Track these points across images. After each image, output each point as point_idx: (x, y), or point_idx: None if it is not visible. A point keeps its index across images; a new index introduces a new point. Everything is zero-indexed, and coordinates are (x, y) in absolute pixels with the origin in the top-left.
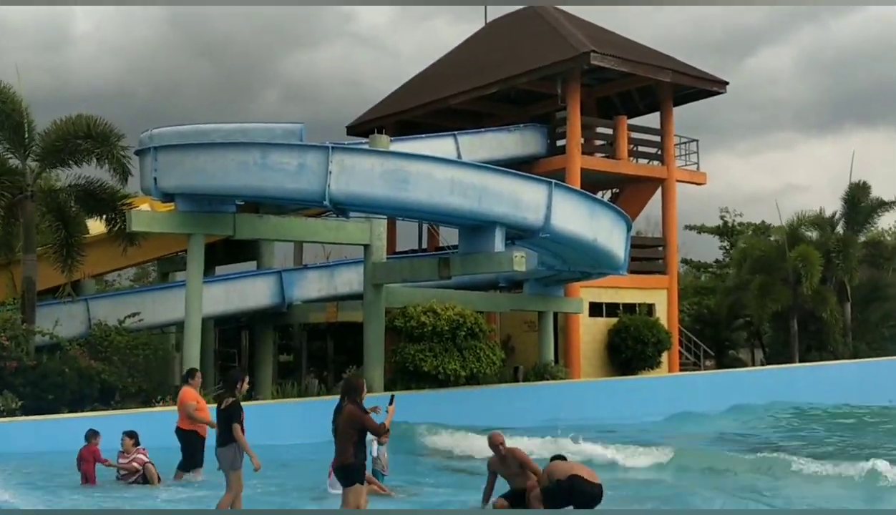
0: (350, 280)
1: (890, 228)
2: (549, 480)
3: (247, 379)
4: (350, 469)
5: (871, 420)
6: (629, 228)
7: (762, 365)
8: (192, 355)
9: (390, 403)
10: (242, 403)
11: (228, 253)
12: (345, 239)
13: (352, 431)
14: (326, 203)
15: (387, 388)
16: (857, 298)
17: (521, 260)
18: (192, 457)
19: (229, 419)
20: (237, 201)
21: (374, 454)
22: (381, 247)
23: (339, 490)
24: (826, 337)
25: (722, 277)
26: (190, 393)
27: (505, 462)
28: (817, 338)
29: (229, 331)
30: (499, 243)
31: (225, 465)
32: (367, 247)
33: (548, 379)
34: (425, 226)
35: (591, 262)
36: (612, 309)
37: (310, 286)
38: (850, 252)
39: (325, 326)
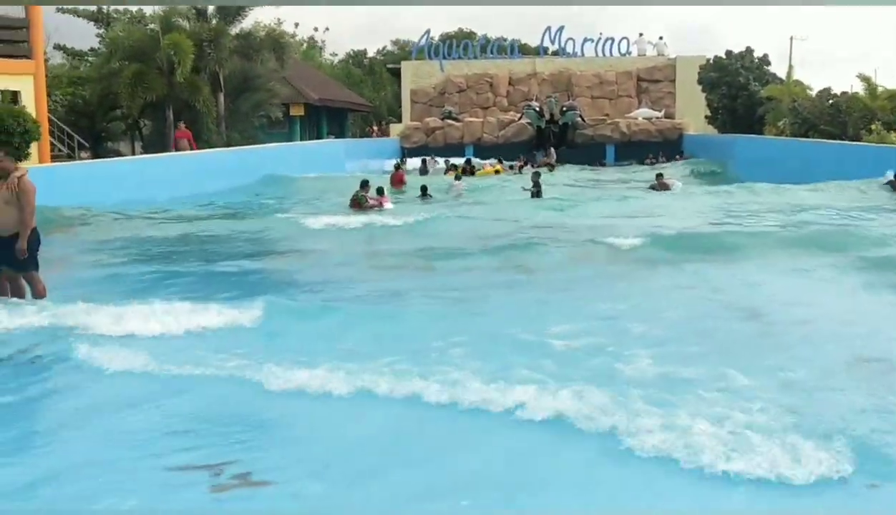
0: None
1: (260, 22)
2: None
3: None
4: None
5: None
6: None
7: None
8: None
9: None
10: None
11: None
12: None
13: None
14: None
15: None
16: (230, 89)
17: None
18: None
19: None
20: None
21: None
22: None
23: None
24: (201, 127)
25: (98, 67)
26: None
27: None
28: (192, 128)
29: None
30: None
31: None
32: None
33: None
34: None
35: None
36: None
37: None
38: (222, 42)
39: None
